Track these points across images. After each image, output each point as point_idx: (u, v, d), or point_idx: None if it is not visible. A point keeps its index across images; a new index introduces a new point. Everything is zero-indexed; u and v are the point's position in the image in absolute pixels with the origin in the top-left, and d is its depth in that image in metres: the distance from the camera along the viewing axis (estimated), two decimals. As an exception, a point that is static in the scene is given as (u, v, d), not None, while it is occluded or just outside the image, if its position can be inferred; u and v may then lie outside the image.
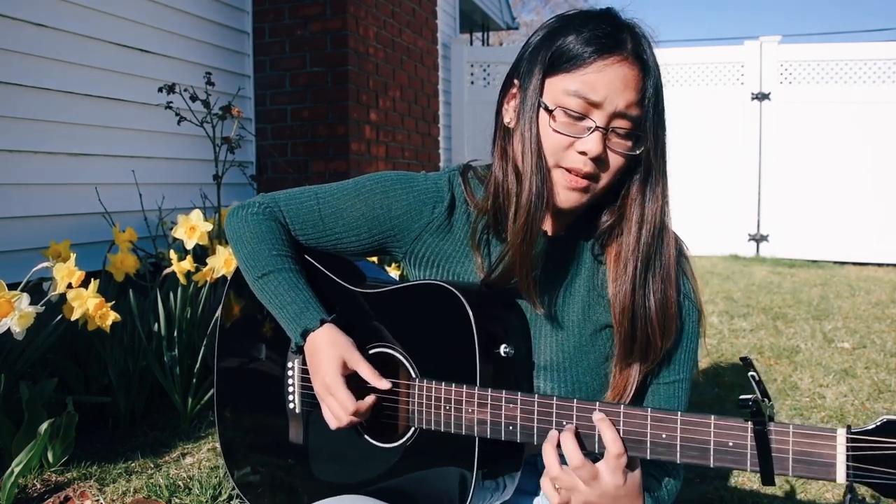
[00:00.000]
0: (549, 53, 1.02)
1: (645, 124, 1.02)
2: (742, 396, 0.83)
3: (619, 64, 0.99)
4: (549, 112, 1.02)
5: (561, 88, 1.01)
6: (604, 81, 0.99)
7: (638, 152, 1.02)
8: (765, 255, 7.16)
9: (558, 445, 0.95)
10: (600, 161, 1.02)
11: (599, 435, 0.94)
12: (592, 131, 1.00)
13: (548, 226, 1.13)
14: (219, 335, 1.38)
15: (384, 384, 1.09)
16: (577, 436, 0.94)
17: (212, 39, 3.94)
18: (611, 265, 1.10)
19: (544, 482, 0.97)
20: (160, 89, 2.93)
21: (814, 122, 6.99)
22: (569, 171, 1.02)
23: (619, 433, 0.93)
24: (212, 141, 2.96)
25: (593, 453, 0.95)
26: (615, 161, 1.03)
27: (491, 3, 9.64)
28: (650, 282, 1.06)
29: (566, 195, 1.04)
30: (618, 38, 1.00)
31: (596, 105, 0.99)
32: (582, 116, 1.00)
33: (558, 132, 1.01)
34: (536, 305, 1.09)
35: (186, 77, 3.56)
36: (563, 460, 0.96)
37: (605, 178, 1.04)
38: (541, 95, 1.03)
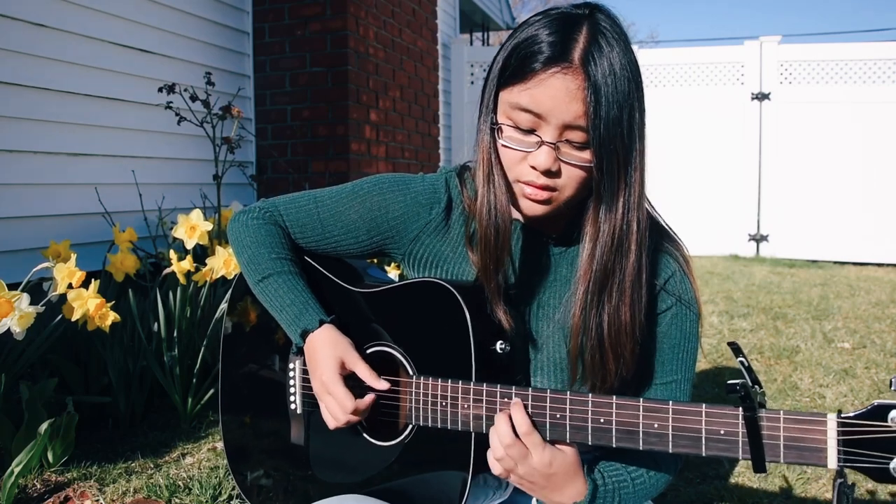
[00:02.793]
0: (501, 65, 1.01)
1: (596, 136, 0.95)
2: (730, 381, 0.83)
3: (562, 74, 0.94)
4: (498, 128, 1.01)
5: (511, 102, 0.99)
6: (547, 95, 0.95)
7: (593, 164, 0.98)
8: (765, 255, 7.16)
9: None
10: (554, 174, 0.99)
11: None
12: (540, 146, 0.98)
13: (551, 229, 1.12)
14: (223, 337, 1.39)
15: (382, 385, 1.09)
16: (510, 417, 0.98)
17: (212, 39, 3.94)
18: None
19: (490, 460, 1.01)
20: (160, 89, 2.93)
21: (814, 123, 6.99)
22: (527, 184, 1.01)
23: (527, 413, 0.97)
24: (212, 141, 2.96)
25: (587, 445, 0.96)
26: (572, 173, 0.99)
27: (491, 3, 9.64)
28: (604, 302, 1.02)
29: (528, 206, 1.03)
30: (564, 47, 0.94)
31: (543, 119, 0.97)
32: (530, 131, 0.98)
33: (507, 147, 1.01)
34: (498, 304, 1.06)
35: (186, 77, 3.56)
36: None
37: (567, 189, 1.01)
38: (494, 110, 1.02)
